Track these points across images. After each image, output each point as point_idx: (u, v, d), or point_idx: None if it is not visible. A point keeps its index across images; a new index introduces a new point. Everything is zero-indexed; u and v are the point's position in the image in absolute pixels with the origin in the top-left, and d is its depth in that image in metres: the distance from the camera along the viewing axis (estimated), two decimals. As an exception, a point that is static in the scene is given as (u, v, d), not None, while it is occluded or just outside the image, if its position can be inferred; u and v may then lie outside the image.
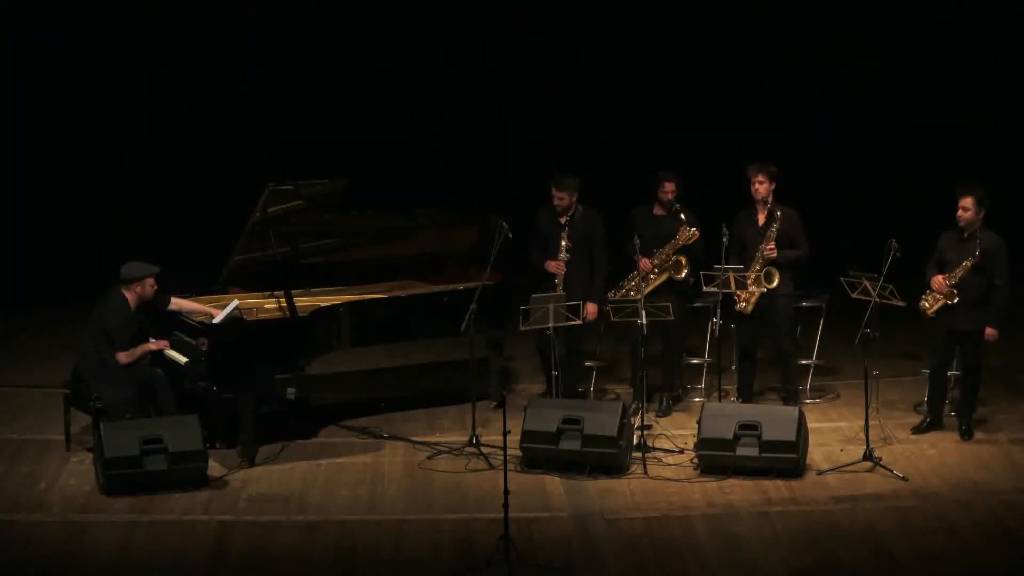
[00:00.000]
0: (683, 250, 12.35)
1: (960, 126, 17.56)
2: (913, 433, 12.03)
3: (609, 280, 12.55)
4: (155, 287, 11.62)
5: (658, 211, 12.49)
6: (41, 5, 17.41)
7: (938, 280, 11.68)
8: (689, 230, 12.33)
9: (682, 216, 12.33)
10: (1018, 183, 17.32)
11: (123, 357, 11.48)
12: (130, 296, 11.54)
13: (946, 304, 11.64)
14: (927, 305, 11.71)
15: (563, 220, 12.42)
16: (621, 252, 12.43)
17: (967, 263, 11.57)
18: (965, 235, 11.65)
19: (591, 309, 12.33)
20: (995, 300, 11.62)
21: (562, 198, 12.37)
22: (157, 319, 12.07)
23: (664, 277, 12.41)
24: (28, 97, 17.50)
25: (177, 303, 11.88)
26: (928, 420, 12.10)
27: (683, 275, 12.38)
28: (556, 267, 12.37)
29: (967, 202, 11.60)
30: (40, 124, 17.54)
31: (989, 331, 11.65)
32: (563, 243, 12.38)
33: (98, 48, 17.43)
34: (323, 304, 12.01)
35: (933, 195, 12.29)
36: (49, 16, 17.43)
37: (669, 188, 12.39)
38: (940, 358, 11.97)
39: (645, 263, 12.29)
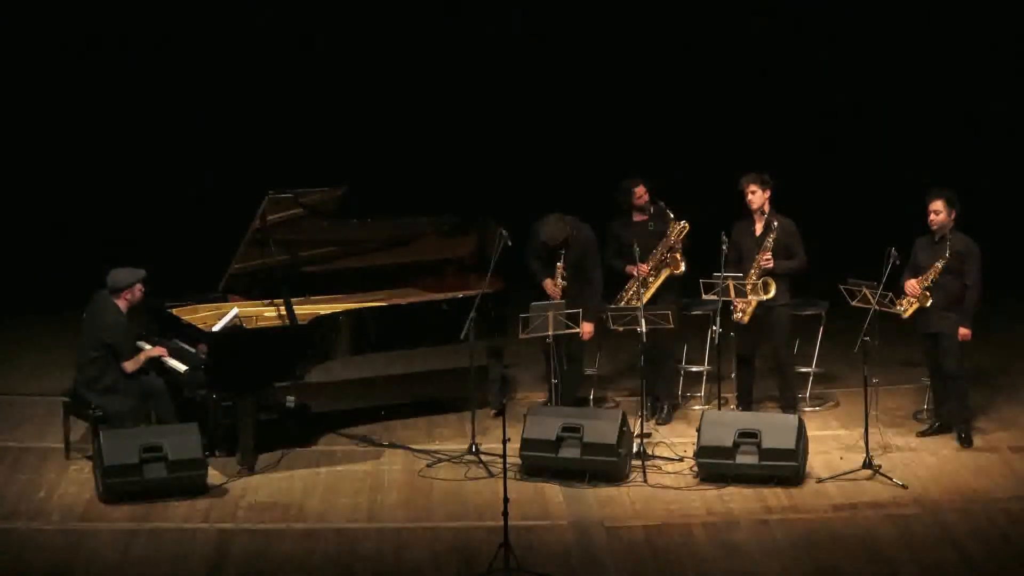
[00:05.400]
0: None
1: (956, 129, 17.62)
2: (919, 435, 12.06)
3: (605, 292, 12.55)
4: (143, 291, 11.62)
5: (638, 217, 12.50)
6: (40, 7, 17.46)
7: (911, 284, 11.79)
8: (680, 224, 12.35)
9: (669, 212, 12.33)
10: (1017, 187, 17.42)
11: (129, 366, 11.50)
12: (122, 304, 11.54)
13: (921, 307, 11.72)
14: (902, 309, 11.78)
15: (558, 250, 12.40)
16: (612, 268, 12.44)
17: (938, 264, 11.71)
18: (936, 238, 11.77)
19: (586, 329, 12.26)
20: (967, 300, 11.73)
21: (556, 244, 12.31)
22: (158, 327, 12.09)
23: (664, 276, 12.41)
24: (27, 103, 17.51)
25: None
26: (937, 424, 12.13)
27: (682, 269, 12.37)
28: (552, 291, 12.36)
29: (937, 205, 11.75)
30: (40, 132, 17.55)
31: (963, 331, 11.72)
32: (559, 266, 12.36)
33: (96, 52, 17.44)
34: (323, 312, 12.01)
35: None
36: (51, 18, 17.46)
37: (641, 192, 12.41)
38: (933, 363, 12.02)
39: (642, 268, 12.29)
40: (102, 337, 11.45)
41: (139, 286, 11.60)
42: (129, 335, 11.62)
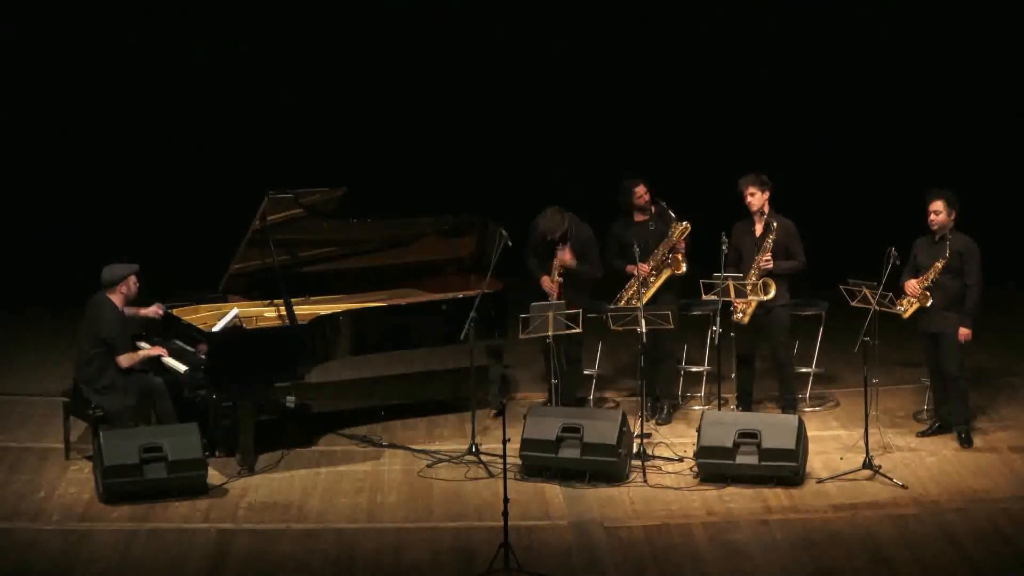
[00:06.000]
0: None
1: (953, 131, 17.63)
2: (919, 436, 12.07)
3: (602, 288, 12.56)
4: (138, 284, 11.62)
5: (639, 217, 12.51)
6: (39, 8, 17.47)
7: (911, 284, 11.81)
8: (681, 224, 12.35)
9: (670, 212, 12.34)
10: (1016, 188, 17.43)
11: (123, 361, 11.48)
12: (117, 299, 11.54)
13: (921, 307, 11.73)
14: (902, 309, 11.79)
15: (556, 244, 12.41)
16: (612, 268, 12.46)
17: (938, 264, 11.72)
18: (936, 238, 11.79)
19: (567, 257, 12.26)
20: (967, 300, 11.74)
21: (555, 237, 12.33)
22: (158, 326, 12.08)
23: (665, 276, 12.42)
24: (26, 101, 17.51)
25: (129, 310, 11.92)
26: (937, 424, 12.14)
27: (683, 269, 12.38)
28: (549, 288, 12.37)
29: (937, 205, 11.76)
30: (37, 130, 17.54)
31: (963, 331, 11.74)
32: (555, 263, 12.37)
33: (96, 53, 17.45)
34: (323, 312, 12.01)
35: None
36: (48, 19, 17.46)
37: (641, 191, 12.43)
38: (933, 363, 12.03)
39: (643, 267, 12.29)
40: (97, 332, 11.45)
41: (133, 279, 11.59)
42: (124, 330, 11.60)
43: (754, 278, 12.10)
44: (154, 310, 11.93)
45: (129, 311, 11.78)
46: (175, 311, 12.15)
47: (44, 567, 10.00)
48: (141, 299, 11.82)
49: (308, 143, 17.56)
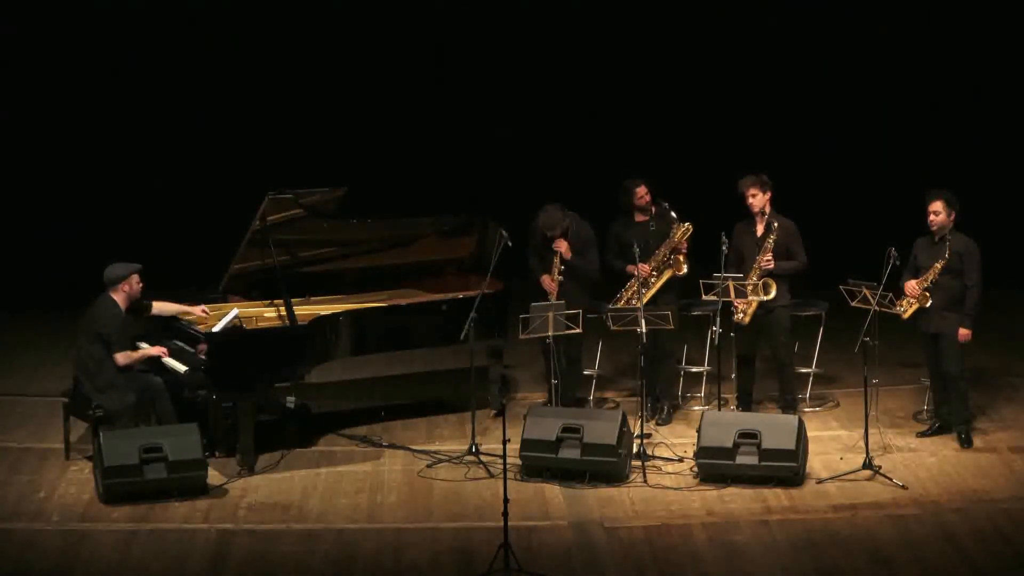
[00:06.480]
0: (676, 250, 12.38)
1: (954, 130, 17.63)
2: (919, 436, 12.07)
3: (602, 288, 12.57)
4: (140, 283, 11.61)
5: (639, 217, 12.51)
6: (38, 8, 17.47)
7: (911, 285, 11.82)
8: (683, 225, 12.35)
9: (672, 214, 12.34)
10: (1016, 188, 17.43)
11: (120, 359, 11.46)
12: (119, 298, 11.53)
13: (921, 307, 11.74)
14: (902, 309, 11.79)
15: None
16: (612, 268, 12.46)
17: (937, 265, 11.73)
18: (936, 239, 11.79)
19: (563, 245, 12.28)
20: (967, 301, 11.74)
21: (554, 234, 12.34)
22: (158, 326, 12.08)
23: (666, 277, 12.42)
24: (26, 101, 17.51)
25: (158, 307, 11.91)
26: (937, 424, 12.14)
27: (684, 271, 12.38)
28: (549, 286, 12.36)
29: (937, 206, 11.77)
30: (37, 130, 17.54)
31: (962, 331, 11.74)
32: (555, 260, 12.37)
33: (96, 53, 17.44)
34: (323, 313, 12.01)
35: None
36: (48, 19, 17.47)
37: (642, 192, 12.43)
38: (933, 363, 12.02)
39: (643, 268, 12.29)
40: (96, 328, 11.44)
41: (136, 277, 11.58)
42: (123, 328, 11.58)
43: (755, 278, 12.10)
44: (201, 310, 11.96)
45: (172, 307, 11.87)
46: (175, 311, 12.18)
47: (44, 567, 10.00)
48: (142, 300, 11.82)
49: (308, 143, 17.56)
